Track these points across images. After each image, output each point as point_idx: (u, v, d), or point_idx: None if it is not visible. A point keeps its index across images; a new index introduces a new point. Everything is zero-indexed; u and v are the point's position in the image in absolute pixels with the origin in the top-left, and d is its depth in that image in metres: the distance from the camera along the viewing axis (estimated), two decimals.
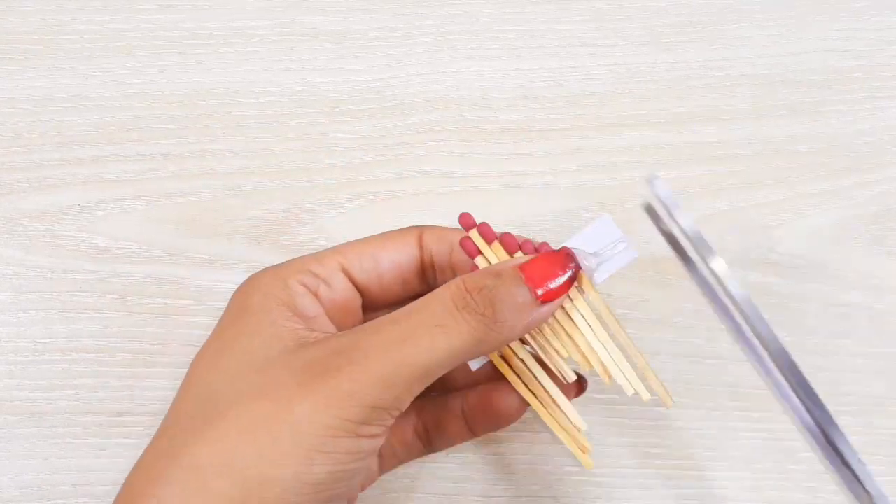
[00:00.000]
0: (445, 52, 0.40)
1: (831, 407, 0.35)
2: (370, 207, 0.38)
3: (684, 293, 0.37)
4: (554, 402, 0.28)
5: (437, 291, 0.25)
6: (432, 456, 0.34)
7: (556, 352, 0.27)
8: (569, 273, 0.26)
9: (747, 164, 0.39)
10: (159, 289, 0.36)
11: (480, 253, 0.27)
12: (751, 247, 0.37)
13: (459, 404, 0.30)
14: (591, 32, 0.41)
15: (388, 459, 0.30)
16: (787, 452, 0.34)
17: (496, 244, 0.27)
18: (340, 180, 0.38)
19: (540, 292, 0.25)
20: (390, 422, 0.24)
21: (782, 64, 0.40)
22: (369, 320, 0.28)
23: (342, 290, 0.28)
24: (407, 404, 0.24)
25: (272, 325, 0.26)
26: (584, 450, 0.28)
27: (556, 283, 0.25)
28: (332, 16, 0.41)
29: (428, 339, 0.24)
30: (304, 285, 0.27)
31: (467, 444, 0.34)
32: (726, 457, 0.34)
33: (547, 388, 0.28)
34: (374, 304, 0.29)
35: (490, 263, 0.27)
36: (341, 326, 0.28)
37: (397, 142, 0.39)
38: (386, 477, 0.33)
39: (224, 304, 0.36)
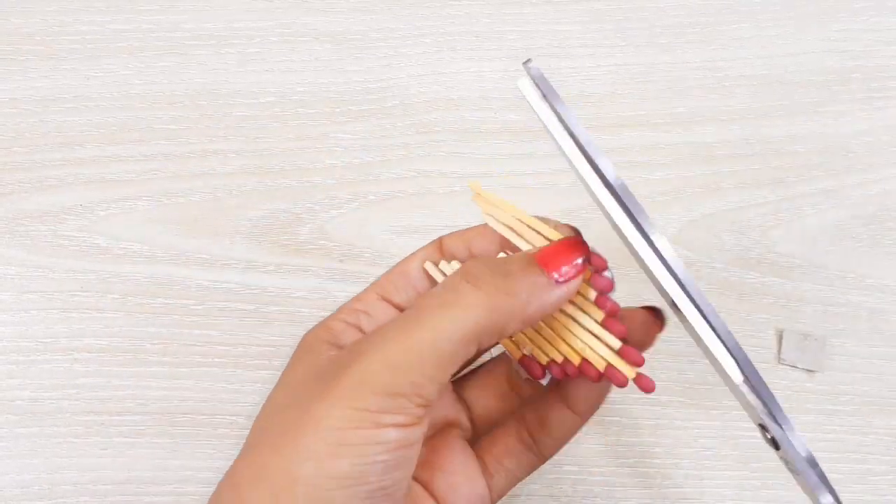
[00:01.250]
0: (445, 52, 0.40)
1: (831, 406, 0.35)
2: (370, 207, 0.38)
3: None
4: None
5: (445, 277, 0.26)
6: None
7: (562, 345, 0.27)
8: (580, 258, 0.26)
9: (746, 164, 0.39)
10: (160, 289, 0.37)
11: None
12: (750, 246, 0.38)
13: (557, 395, 0.29)
14: (591, 33, 0.41)
15: (499, 476, 0.29)
16: None
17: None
18: (340, 180, 0.38)
19: (555, 275, 0.25)
20: (416, 410, 0.24)
21: (781, 64, 0.40)
22: None
23: (384, 316, 0.29)
24: (431, 391, 0.24)
25: (312, 355, 0.27)
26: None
27: (568, 266, 0.25)
28: (333, 17, 0.41)
29: (433, 319, 0.24)
30: (344, 321, 0.28)
31: None
32: (726, 457, 0.34)
33: (598, 335, 0.27)
34: None
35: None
36: None
37: (397, 142, 0.39)
38: None
39: (224, 304, 0.37)
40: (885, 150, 0.39)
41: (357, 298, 0.29)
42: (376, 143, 0.39)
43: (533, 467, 0.29)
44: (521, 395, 0.30)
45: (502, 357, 0.30)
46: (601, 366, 0.26)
